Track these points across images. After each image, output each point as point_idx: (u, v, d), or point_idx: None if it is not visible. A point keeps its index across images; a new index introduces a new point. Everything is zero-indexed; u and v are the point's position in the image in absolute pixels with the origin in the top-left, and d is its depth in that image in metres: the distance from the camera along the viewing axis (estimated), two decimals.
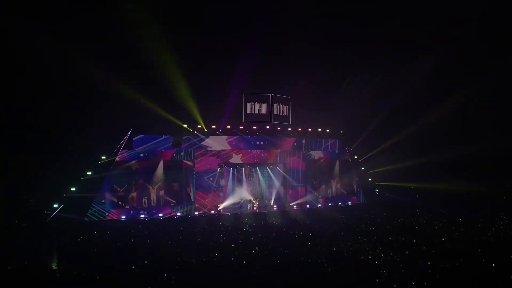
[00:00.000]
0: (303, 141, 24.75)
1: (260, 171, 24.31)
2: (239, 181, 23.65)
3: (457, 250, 12.22)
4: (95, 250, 12.65)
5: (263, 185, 24.32)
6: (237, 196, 23.12)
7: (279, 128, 23.44)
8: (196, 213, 21.15)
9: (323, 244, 13.30)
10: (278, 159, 24.17)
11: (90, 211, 18.83)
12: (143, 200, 20.31)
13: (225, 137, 22.42)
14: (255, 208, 22.48)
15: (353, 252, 12.09)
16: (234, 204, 22.77)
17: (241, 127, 22.49)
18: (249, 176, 24.11)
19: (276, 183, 24.27)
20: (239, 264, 10.73)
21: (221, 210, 21.94)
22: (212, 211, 21.48)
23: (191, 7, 18.95)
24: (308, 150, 25.07)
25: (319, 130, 25.31)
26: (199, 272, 10.01)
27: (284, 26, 20.33)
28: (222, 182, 23.00)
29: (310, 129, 24.89)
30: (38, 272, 9.54)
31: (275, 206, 23.34)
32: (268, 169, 24.44)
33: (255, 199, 23.15)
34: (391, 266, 10.23)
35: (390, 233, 15.15)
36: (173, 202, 20.97)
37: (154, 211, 20.23)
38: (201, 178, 21.79)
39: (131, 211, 19.87)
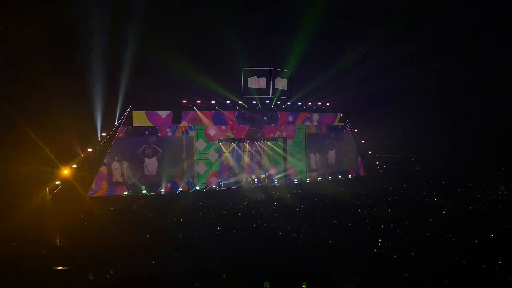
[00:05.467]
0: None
1: (259, 145, 24.27)
2: (240, 156, 23.71)
3: (456, 219, 12.37)
4: (99, 226, 12.79)
5: (263, 159, 24.35)
6: (238, 170, 23.28)
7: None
8: (197, 188, 21.29)
9: (323, 217, 13.44)
10: (278, 132, 24.12)
11: None
12: None
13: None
14: (255, 181, 22.67)
15: (354, 224, 12.23)
16: (235, 178, 22.91)
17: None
18: (249, 150, 24.09)
19: (276, 156, 24.32)
20: (241, 238, 10.88)
21: (223, 185, 22.09)
22: (214, 186, 21.62)
23: None
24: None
25: (320, 103, 25.12)
26: (202, 247, 10.14)
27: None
28: (223, 157, 23.08)
29: (310, 103, 24.71)
30: (42, 249, 9.65)
31: (275, 179, 23.49)
32: (269, 143, 24.40)
33: (257, 173, 23.28)
34: (390, 237, 10.37)
35: (390, 205, 15.29)
36: None
37: None
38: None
39: None
